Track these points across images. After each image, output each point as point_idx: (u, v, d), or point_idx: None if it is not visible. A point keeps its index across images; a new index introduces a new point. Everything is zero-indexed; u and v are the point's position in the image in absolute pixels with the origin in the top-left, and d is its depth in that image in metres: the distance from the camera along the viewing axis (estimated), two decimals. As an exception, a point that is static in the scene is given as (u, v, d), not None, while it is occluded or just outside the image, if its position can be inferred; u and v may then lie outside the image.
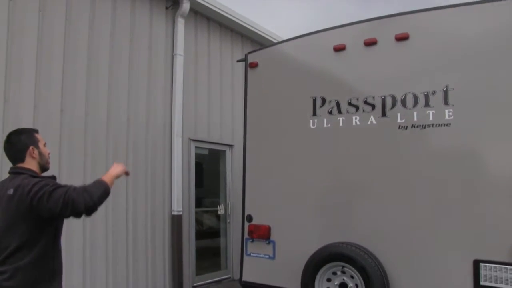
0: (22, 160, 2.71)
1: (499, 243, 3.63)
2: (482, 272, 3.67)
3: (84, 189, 2.57)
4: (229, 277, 7.85)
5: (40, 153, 2.78)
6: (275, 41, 8.79)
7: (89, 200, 2.51)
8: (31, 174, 2.66)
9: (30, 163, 2.73)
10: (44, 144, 2.84)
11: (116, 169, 2.84)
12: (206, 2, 7.35)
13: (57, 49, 5.42)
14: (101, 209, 5.50)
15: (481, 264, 3.68)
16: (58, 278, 2.78)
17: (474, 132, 3.91)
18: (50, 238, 2.66)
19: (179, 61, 7.06)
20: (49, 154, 2.89)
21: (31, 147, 2.72)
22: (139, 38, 6.57)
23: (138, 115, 6.44)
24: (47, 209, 2.48)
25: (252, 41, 8.86)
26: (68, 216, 2.57)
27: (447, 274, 3.85)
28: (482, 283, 3.66)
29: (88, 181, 5.50)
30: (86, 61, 5.75)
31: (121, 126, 6.16)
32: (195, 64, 7.51)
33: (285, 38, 8.69)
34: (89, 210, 2.55)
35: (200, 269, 7.34)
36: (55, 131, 5.29)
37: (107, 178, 2.73)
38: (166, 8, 7.03)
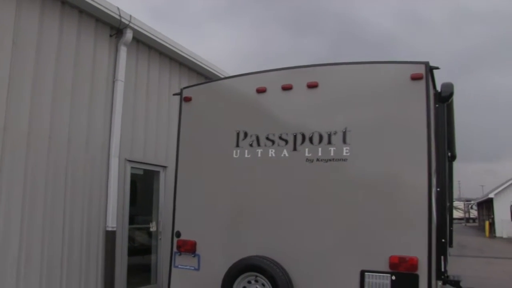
0: None
1: (379, 257, 4.41)
2: (366, 279, 4.44)
3: None
4: (158, 291, 8.05)
5: None
6: (210, 70, 9.48)
7: None
8: None
9: None
10: None
11: None
12: (148, 32, 7.72)
13: (3, 73, 5.60)
14: (38, 222, 5.82)
15: (366, 273, 4.45)
16: None
17: (364, 166, 4.71)
18: None
19: (119, 86, 7.32)
20: None
21: None
22: (83, 63, 6.80)
23: (79, 135, 6.65)
24: None
25: (189, 69, 9.28)
26: None
27: (341, 282, 4.58)
28: None
29: (28, 193, 5.75)
30: (31, 83, 5.94)
31: (62, 145, 6.36)
32: (135, 90, 7.80)
33: (218, 65, 9.48)
34: None
35: (131, 283, 7.46)
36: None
37: None
38: (110, 36, 7.31)
